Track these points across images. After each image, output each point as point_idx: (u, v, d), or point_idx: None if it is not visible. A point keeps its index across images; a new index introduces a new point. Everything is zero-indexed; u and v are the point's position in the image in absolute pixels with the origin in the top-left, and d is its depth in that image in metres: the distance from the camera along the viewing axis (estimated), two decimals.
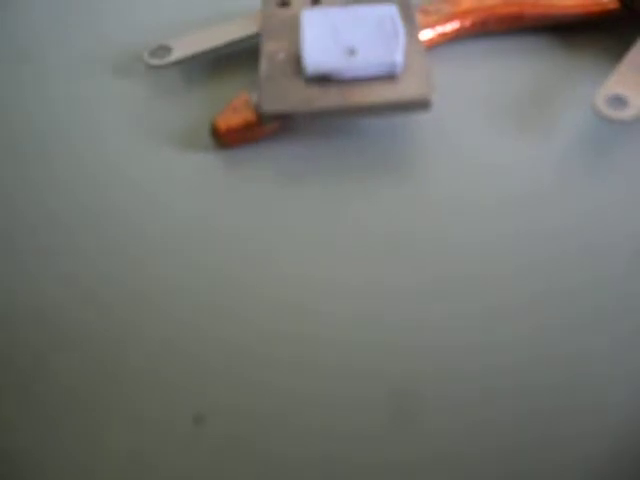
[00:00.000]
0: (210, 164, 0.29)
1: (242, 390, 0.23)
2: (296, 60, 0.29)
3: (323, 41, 0.29)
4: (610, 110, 0.27)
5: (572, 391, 0.23)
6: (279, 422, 0.23)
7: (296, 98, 0.28)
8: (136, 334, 0.25)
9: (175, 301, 0.26)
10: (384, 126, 0.30)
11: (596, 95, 0.28)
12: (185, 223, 0.28)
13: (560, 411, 0.23)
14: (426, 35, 0.32)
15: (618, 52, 0.30)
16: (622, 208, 0.27)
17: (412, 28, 0.30)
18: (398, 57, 0.28)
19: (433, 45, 0.32)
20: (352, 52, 0.29)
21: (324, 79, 0.28)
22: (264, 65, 0.29)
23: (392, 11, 0.30)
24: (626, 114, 0.27)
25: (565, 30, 0.33)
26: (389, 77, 0.28)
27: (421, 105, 0.28)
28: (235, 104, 0.29)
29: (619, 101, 0.28)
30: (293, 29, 0.30)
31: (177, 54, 0.31)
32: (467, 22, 0.32)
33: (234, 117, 0.29)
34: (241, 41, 0.32)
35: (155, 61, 0.31)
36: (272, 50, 0.30)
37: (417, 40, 0.30)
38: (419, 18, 0.32)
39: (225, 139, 0.29)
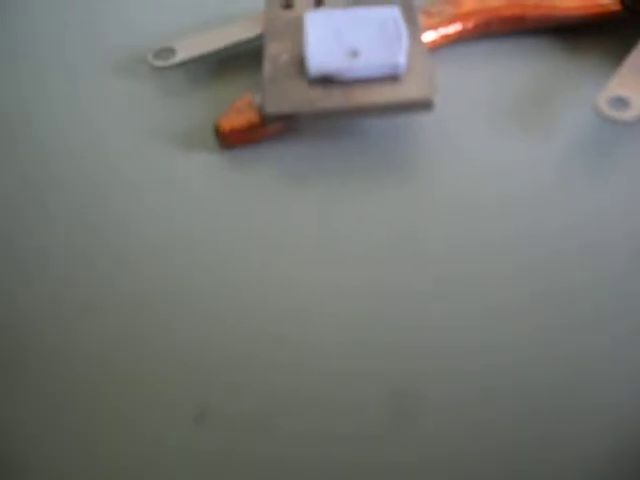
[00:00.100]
0: (213, 165, 0.30)
1: (243, 390, 0.23)
2: (299, 61, 0.29)
3: (326, 43, 0.29)
4: (612, 111, 0.28)
5: (572, 391, 0.23)
6: (279, 422, 0.23)
7: (299, 99, 0.28)
8: (136, 335, 0.25)
9: (177, 302, 0.26)
10: (387, 127, 0.30)
11: (598, 96, 0.28)
12: (188, 224, 0.28)
13: (560, 411, 0.23)
14: (429, 37, 0.32)
15: (620, 54, 0.30)
16: (622, 208, 0.27)
17: (415, 30, 0.30)
18: (401, 58, 0.28)
19: (436, 47, 0.32)
20: (355, 53, 0.29)
21: (327, 80, 0.29)
22: (267, 66, 0.30)
23: (395, 13, 0.30)
24: (628, 115, 0.27)
25: (567, 32, 0.33)
26: (392, 78, 0.29)
27: (424, 106, 0.28)
28: (239, 105, 0.30)
29: (621, 102, 0.28)
30: (296, 31, 0.31)
31: (181, 55, 0.31)
32: (469, 24, 0.32)
33: (237, 118, 0.29)
34: (244, 43, 0.32)
35: (159, 62, 0.31)
36: (275, 52, 0.30)
37: (420, 42, 0.30)
38: (422, 20, 0.32)
39: (228, 140, 0.30)
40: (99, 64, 0.34)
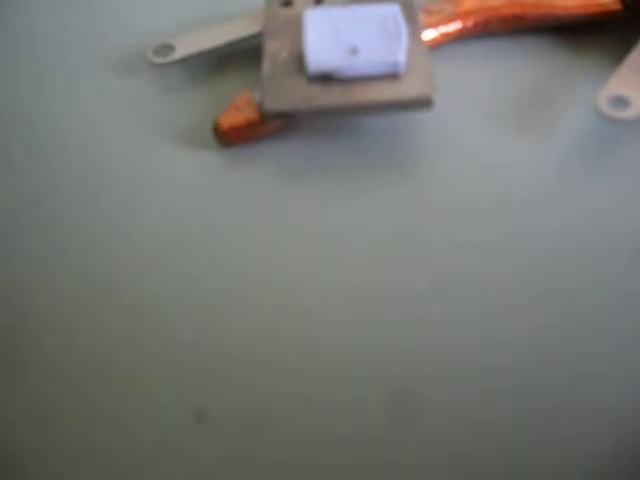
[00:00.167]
0: (212, 162, 0.30)
1: (242, 389, 0.23)
2: (299, 59, 0.29)
3: (326, 40, 0.29)
4: (612, 110, 0.28)
5: (572, 391, 0.23)
6: (279, 422, 0.23)
7: (298, 97, 0.28)
8: (135, 335, 0.25)
9: (175, 300, 0.26)
10: (386, 125, 0.30)
11: (598, 95, 0.28)
12: (187, 221, 0.28)
13: (560, 411, 0.23)
14: (429, 35, 0.32)
15: (620, 53, 0.30)
16: (623, 207, 0.27)
17: (415, 28, 0.30)
18: (400, 56, 0.28)
19: (436, 45, 0.32)
20: (355, 51, 0.29)
21: (327, 78, 0.29)
22: (267, 64, 0.29)
23: (395, 11, 0.30)
24: (628, 114, 0.27)
25: (567, 31, 0.33)
26: (391, 76, 0.29)
27: (423, 104, 0.28)
28: (238, 103, 0.30)
29: (621, 101, 0.28)
30: (296, 28, 0.30)
31: (180, 52, 0.31)
32: (469, 22, 0.32)
33: (237, 115, 0.29)
34: (244, 40, 0.32)
35: (159, 59, 0.31)
36: (275, 49, 0.30)
37: (420, 40, 0.30)
38: (422, 18, 0.32)
39: (228, 137, 0.30)
40: (98, 62, 0.34)
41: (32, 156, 0.30)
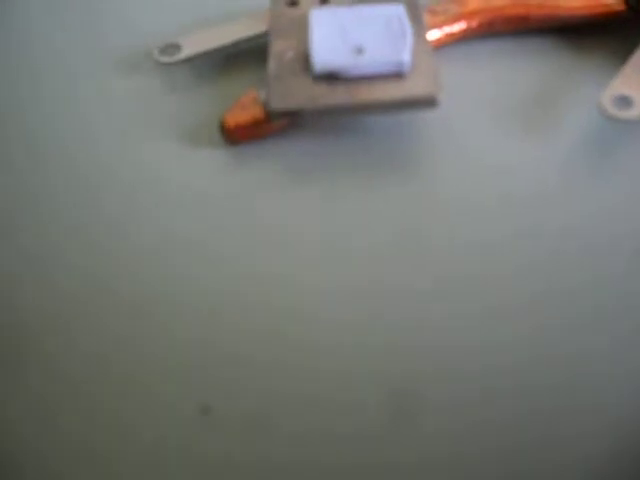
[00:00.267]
0: (218, 160, 0.30)
1: (244, 388, 0.24)
2: (304, 58, 0.29)
3: (331, 40, 0.29)
4: (616, 110, 0.28)
5: (572, 391, 0.23)
6: (281, 421, 0.23)
7: (304, 96, 0.28)
8: (138, 334, 0.25)
9: (179, 299, 0.26)
10: (391, 124, 0.30)
11: (602, 95, 0.28)
12: (193, 219, 0.28)
13: (560, 411, 0.23)
14: (433, 35, 0.32)
15: (623, 54, 0.30)
16: (625, 208, 0.28)
17: (420, 28, 0.31)
18: (405, 56, 0.28)
19: (440, 45, 0.32)
20: (360, 51, 0.29)
21: (332, 77, 0.29)
22: (273, 63, 0.30)
23: (400, 11, 0.30)
24: (631, 114, 0.28)
25: (571, 31, 0.33)
26: (396, 76, 0.29)
27: (428, 103, 0.28)
28: (244, 101, 0.30)
29: (624, 101, 0.28)
30: (301, 28, 0.31)
31: (186, 52, 0.32)
32: (474, 23, 0.33)
33: (242, 114, 0.29)
34: (249, 40, 0.32)
35: (165, 58, 0.31)
36: (280, 49, 0.30)
37: (424, 40, 0.30)
38: (426, 18, 0.32)
39: (233, 136, 0.30)
40: (104, 62, 0.34)
41: (36, 156, 0.30)
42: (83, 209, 0.28)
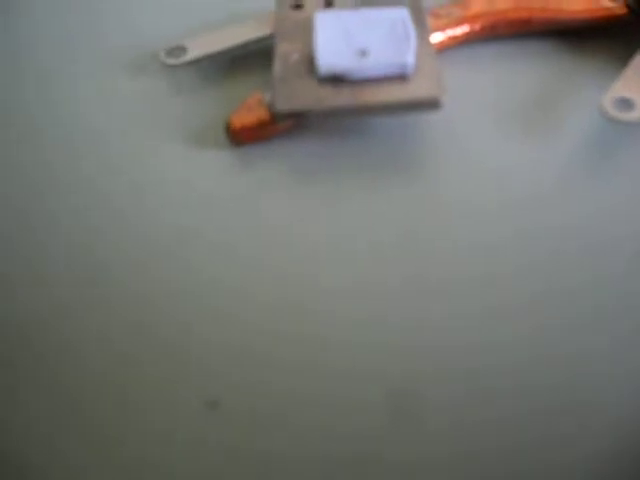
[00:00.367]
0: (224, 161, 0.30)
1: (253, 380, 0.24)
2: (309, 61, 0.30)
3: (336, 42, 0.30)
4: (617, 112, 0.28)
5: (572, 391, 0.23)
6: (282, 418, 0.23)
7: (309, 97, 0.29)
8: (148, 329, 0.25)
9: (184, 298, 0.26)
10: (395, 126, 0.31)
11: (603, 97, 0.28)
12: (198, 219, 0.28)
13: (560, 411, 0.23)
14: (437, 38, 0.32)
15: (625, 57, 0.31)
16: (626, 209, 0.28)
17: (423, 31, 0.31)
18: (409, 58, 0.29)
19: (443, 48, 0.33)
20: (364, 53, 0.29)
21: (336, 79, 0.29)
22: (278, 65, 0.30)
23: (404, 14, 0.30)
24: (633, 116, 0.28)
25: (573, 35, 0.34)
26: (400, 78, 0.29)
27: (431, 105, 0.29)
28: (249, 103, 0.30)
29: (626, 103, 0.28)
30: (306, 31, 0.31)
31: (193, 54, 0.32)
32: (477, 26, 0.33)
33: (248, 115, 0.30)
34: (255, 42, 0.33)
35: (171, 60, 0.32)
36: (286, 51, 0.30)
37: (428, 42, 0.30)
38: (430, 21, 0.32)
39: (239, 137, 0.30)
40: (111, 63, 0.34)
41: (42, 158, 0.31)
42: (88, 210, 0.29)
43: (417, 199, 0.28)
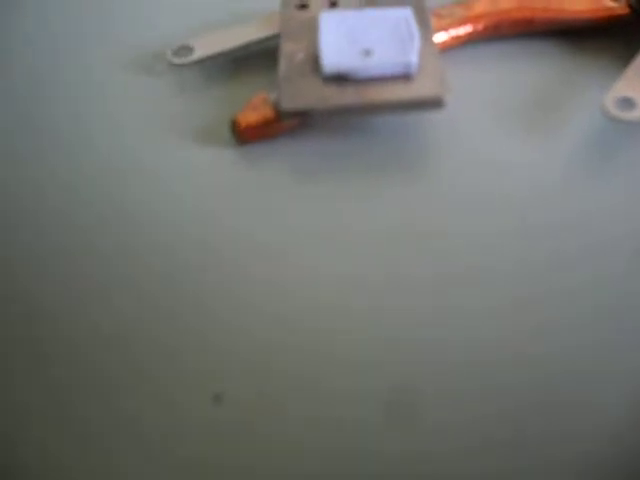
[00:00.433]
0: (229, 159, 0.30)
1: (257, 374, 0.24)
2: (314, 60, 0.30)
3: (340, 42, 0.30)
4: (618, 111, 0.28)
5: (571, 388, 0.23)
6: (290, 408, 0.23)
7: (314, 96, 0.29)
8: (154, 320, 0.25)
9: (192, 291, 0.26)
10: (398, 125, 0.31)
11: (605, 97, 0.28)
12: (203, 217, 0.28)
13: (559, 407, 0.23)
14: (440, 38, 0.32)
15: (627, 56, 0.31)
16: (626, 208, 0.28)
17: (427, 31, 0.31)
18: (413, 57, 0.29)
19: (446, 48, 0.33)
20: (368, 53, 0.29)
21: (341, 78, 0.29)
22: (283, 64, 0.30)
23: (407, 14, 0.31)
24: (634, 115, 0.28)
25: (575, 34, 0.34)
26: (404, 77, 0.29)
27: (435, 104, 0.29)
28: (255, 102, 0.30)
29: (627, 103, 0.28)
30: (311, 30, 0.31)
31: (199, 53, 0.32)
32: (479, 26, 0.33)
33: (254, 114, 0.30)
34: (260, 42, 0.33)
35: (178, 60, 0.32)
36: (291, 50, 0.31)
37: (431, 42, 0.31)
38: (433, 21, 0.32)
39: (245, 135, 0.30)
40: (117, 62, 0.34)
41: (51, 151, 0.31)
42: (92, 208, 0.29)
43: (421, 197, 0.29)
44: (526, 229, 0.27)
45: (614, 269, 0.26)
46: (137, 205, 0.29)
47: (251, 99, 0.30)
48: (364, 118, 0.31)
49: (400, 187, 0.29)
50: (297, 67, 0.30)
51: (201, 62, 0.32)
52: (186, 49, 0.32)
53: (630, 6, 0.33)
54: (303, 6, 0.33)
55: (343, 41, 0.30)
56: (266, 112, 0.30)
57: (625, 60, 0.31)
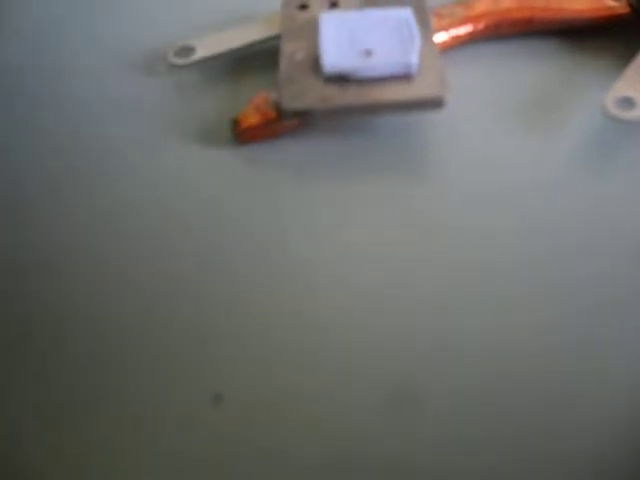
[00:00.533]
0: (230, 160, 0.30)
1: (256, 375, 0.24)
2: (315, 60, 0.30)
3: (340, 42, 0.30)
4: (619, 111, 0.28)
5: (571, 383, 0.24)
6: (287, 410, 0.24)
7: (314, 96, 0.29)
8: (154, 321, 0.26)
9: (193, 292, 0.26)
10: (399, 124, 0.31)
11: (605, 96, 0.28)
12: (204, 217, 0.28)
13: (560, 403, 0.23)
14: (440, 38, 0.32)
15: (627, 56, 0.31)
16: (625, 207, 0.28)
17: (427, 31, 0.31)
18: (413, 57, 0.29)
19: (447, 47, 0.33)
20: (369, 53, 0.29)
21: (342, 78, 0.29)
22: (284, 65, 0.30)
23: (407, 14, 0.31)
24: (634, 115, 0.28)
25: (575, 34, 0.34)
26: (404, 77, 0.29)
27: (435, 104, 0.29)
28: (256, 102, 0.30)
29: (627, 102, 0.28)
30: (312, 31, 0.31)
31: (200, 54, 0.32)
32: (480, 25, 0.33)
33: (255, 114, 0.30)
34: (261, 42, 0.33)
35: (179, 60, 0.32)
36: (292, 50, 0.31)
37: (431, 42, 0.31)
38: (433, 21, 0.32)
39: (246, 135, 0.30)
40: (118, 63, 0.34)
41: (52, 151, 0.31)
42: (93, 206, 0.29)
43: (421, 197, 0.29)
44: (526, 228, 0.27)
45: (614, 267, 0.26)
46: (137, 205, 0.29)
47: (252, 99, 0.30)
48: (365, 118, 0.31)
49: (401, 187, 0.29)
50: (298, 67, 0.30)
51: (203, 62, 0.32)
52: (187, 49, 0.32)
53: (630, 5, 0.33)
54: (304, 6, 0.33)
55: (344, 41, 0.30)
56: (267, 112, 0.30)
57: (625, 59, 0.31)
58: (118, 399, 0.24)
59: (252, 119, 0.30)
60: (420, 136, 0.31)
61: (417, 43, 0.30)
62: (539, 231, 0.27)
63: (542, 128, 0.31)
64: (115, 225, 0.28)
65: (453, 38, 0.33)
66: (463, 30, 0.33)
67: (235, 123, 0.30)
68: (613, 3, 0.33)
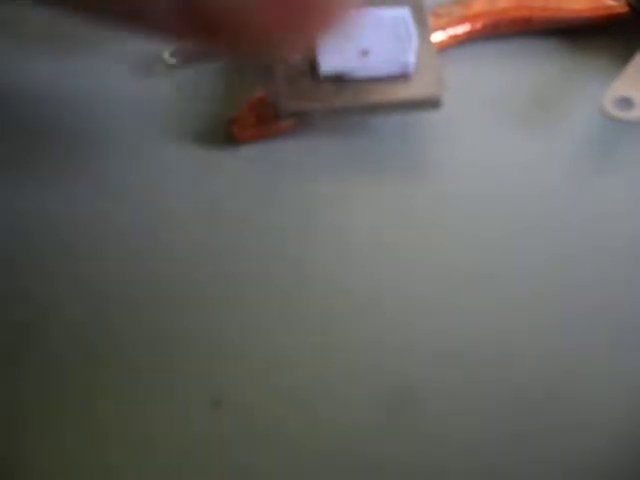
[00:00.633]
0: (228, 160, 0.30)
1: (256, 380, 0.24)
2: (312, 60, 0.30)
3: (337, 42, 0.30)
4: (617, 111, 0.28)
5: (571, 385, 0.24)
6: (287, 414, 0.23)
7: (311, 97, 0.29)
8: (154, 325, 0.25)
9: (192, 295, 0.26)
10: (396, 124, 0.31)
11: (604, 96, 0.28)
12: (201, 219, 0.28)
13: (560, 405, 0.23)
14: (437, 37, 0.32)
15: (626, 55, 0.31)
16: (625, 207, 0.28)
17: (424, 30, 0.31)
18: (411, 57, 0.29)
19: (444, 47, 0.33)
20: (366, 53, 0.29)
21: (338, 79, 0.29)
22: (281, 65, 0.30)
23: (405, 14, 0.31)
24: (633, 115, 0.28)
25: (574, 33, 0.33)
26: (402, 77, 0.29)
27: (432, 103, 0.29)
28: (252, 102, 0.30)
29: (626, 102, 0.28)
30: None
31: (197, 54, 0.32)
32: (478, 25, 0.33)
33: (251, 115, 0.30)
34: None
35: (175, 61, 0.32)
36: None
37: (429, 42, 0.31)
38: (431, 20, 0.32)
39: (242, 136, 0.30)
40: (115, 63, 0.34)
41: (49, 151, 0.31)
42: (93, 206, 0.29)
43: (420, 196, 0.29)
44: (526, 228, 0.27)
45: (614, 268, 0.26)
46: (131, 209, 0.29)
47: (249, 100, 0.30)
48: (362, 118, 0.31)
49: (399, 186, 0.29)
50: (295, 68, 0.30)
51: (198, 62, 0.32)
52: (185, 50, 0.32)
53: (629, 5, 0.33)
54: None
55: (340, 41, 0.30)
56: (264, 112, 0.30)
57: (624, 59, 0.31)
58: (117, 401, 0.24)
59: (249, 119, 0.30)
60: (418, 136, 0.31)
61: (414, 42, 0.29)
62: (538, 230, 0.27)
63: (541, 127, 0.31)
64: (113, 225, 0.28)
65: (451, 37, 0.33)
66: (461, 29, 0.33)
67: (232, 123, 0.30)
68: (612, 2, 0.33)
